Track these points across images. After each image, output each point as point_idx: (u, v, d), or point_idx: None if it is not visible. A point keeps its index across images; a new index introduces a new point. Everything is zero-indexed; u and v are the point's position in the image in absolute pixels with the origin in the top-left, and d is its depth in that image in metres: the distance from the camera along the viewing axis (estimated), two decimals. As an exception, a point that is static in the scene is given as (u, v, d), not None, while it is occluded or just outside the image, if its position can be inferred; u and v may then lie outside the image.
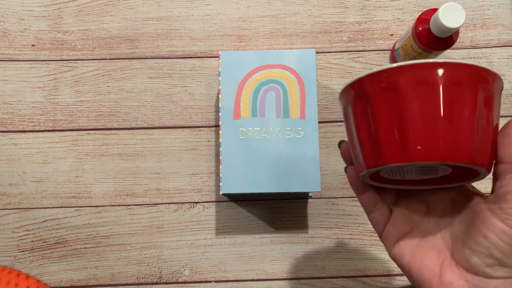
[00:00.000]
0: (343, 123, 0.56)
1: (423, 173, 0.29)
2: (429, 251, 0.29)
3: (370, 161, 0.27)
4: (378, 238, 0.54)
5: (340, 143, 0.34)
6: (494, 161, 0.27)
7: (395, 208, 0.32)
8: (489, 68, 0.26)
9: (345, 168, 0.33)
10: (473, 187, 0.31)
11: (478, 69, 0.25)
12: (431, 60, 0.25)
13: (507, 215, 0.25)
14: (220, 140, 0.48)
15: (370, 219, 0.33)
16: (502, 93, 0.56)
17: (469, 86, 0.25)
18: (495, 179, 0.27)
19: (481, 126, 0.26)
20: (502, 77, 0.57)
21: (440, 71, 0.25)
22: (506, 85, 0.57)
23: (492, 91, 0.26)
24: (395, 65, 0.26)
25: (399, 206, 0.32)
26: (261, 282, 0.53)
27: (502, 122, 0.56)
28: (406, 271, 0.30)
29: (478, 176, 0.28)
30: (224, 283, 0.53)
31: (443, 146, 0.25)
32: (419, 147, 0.25)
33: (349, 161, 0.33)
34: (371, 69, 0.57)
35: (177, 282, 0.53)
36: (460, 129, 0.25)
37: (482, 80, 0.25)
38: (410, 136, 0.25)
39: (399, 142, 0.26)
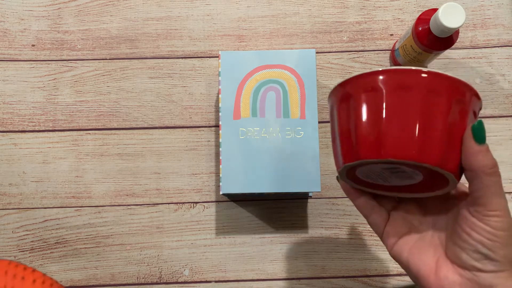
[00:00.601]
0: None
1: (397, 177, 0.31)
2: (426, 249, 0.31)
3: (347, 156, 0.30)
4: (378, 238, 0.54)
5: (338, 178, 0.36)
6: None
7: (393, 212, 0.34)
8: (467, 83, 0.27)
9: (337, 177, 0.35)
10: (464, 186, 0.32)
11: (456, 82, 0.27)
12: (413, 68, 0.27)
13: (483, 216, 0.27)
14: (220, 140, 0.48)
15: (369, 223, 0.34)
16: (502, 93, 0.56)
17: (444, 97, 0.27)
18: (468, 183, 0.28)
19: (452, 135, 0.27)
20: (502, 77, 0.57)
21: (421, 78, 0.27)
22: (506, 85, 0.57)
23: (467, 105, 0.28)
24: (367, 71, 0.28)
25: (397, 210, 0.34)
26: (261, 282, 0.53)
27: (503, 122, 0.56)
28: (404, 267, 0.32)
29: (447, 185, 0.29)
30: (224, 283, 0.53)
31: (415, 148, 0.27)
32: (391, 146, 0.27)
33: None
34: (370, 68, 0.57)
35: (177, 282, 0.53)
36: (431, 135, 0.27)
37: (458, 93, 0.27)
38: (383, 135, 0.27)
39: (374, 140, 0.28)
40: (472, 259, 0.27)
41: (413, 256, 0.31)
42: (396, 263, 0.53)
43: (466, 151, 0.27)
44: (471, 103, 0.28)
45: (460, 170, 0.28)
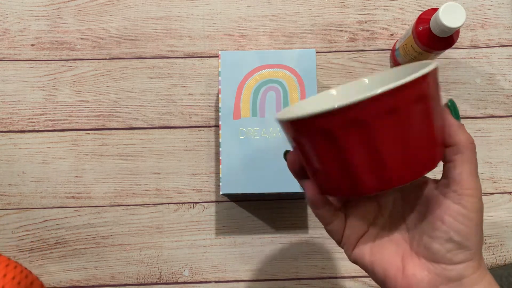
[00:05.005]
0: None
1: None
2: (387, 246, 0.29)
3: (344, 190, 0.26)
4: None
5: (286, 154, 0.31)
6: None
7: (348, 212, 0.31)
8: (415, 76, 0.23)
9: (302, 183, 0.30)
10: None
11: (405, 86, 0.23)
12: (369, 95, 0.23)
13: (460, 196, 0.25)
14: (220, 140, 0.48)
15: (328, 231, 0.31)
16: (503, 93, 0.56)
17: (408, 105, 0.24)
18: (444, 163, 0.27)
19: (435, 126, 0.26)
20: (503, 77, 0.57)
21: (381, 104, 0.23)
22: (506, 85, 0.57)
23: (428, 93, 0.25)
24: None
25: (351, 209, 0.31)
26: (261, 282, 0.53)
27: (503, 122, 0.56)
28: (370, 271, 0.29)
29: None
30: (224, 283, 0.53)
31: (418, 163, 0.25)
32: (398, 172, 0.25)
33: (297, 174, 0.30)
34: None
35: (177, 283, 0.53)
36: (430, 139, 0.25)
37: (414, 93, 0.24)
38: (388, 164, 0.24)
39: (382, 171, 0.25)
40: (443, 249, 0.26)
41: (376, 256, 0.29)
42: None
43: (450, 127, 0.26)
44: (431, 85, 0.25)
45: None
